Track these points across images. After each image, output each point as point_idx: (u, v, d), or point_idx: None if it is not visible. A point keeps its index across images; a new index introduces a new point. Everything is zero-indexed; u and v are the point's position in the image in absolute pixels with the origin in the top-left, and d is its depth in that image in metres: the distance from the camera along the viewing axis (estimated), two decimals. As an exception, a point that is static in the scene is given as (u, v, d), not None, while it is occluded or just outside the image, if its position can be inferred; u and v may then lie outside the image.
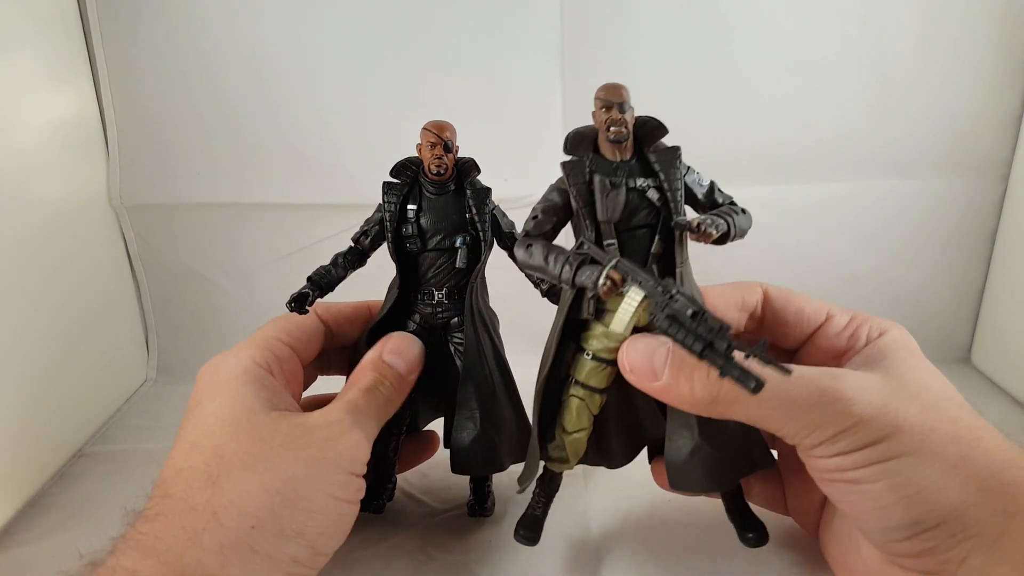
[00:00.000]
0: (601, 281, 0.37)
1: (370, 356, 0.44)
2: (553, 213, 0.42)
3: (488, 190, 0.47)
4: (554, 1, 0.65)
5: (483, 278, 0.48)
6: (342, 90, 0.68)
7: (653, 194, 0.40)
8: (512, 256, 0.44)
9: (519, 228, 0.44)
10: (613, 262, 0.38)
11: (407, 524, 0.50)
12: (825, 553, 0.43)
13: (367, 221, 0.48)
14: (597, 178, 0.40)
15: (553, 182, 0.42)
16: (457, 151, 0.46)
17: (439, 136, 0.45)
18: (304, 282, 0.46)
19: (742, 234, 0.40)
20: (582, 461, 0.44)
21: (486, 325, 0.47)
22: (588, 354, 0.41)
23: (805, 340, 0.43)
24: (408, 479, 0.54)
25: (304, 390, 0.49)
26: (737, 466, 0.41)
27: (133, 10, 0.65)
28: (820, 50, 0.66)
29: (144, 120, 0.68)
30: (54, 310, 0.59)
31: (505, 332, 0.49)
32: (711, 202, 0.42)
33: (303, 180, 0.70)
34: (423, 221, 0.46)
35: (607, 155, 0.41)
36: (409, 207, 0.46)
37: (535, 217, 0.42)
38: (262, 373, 0.40)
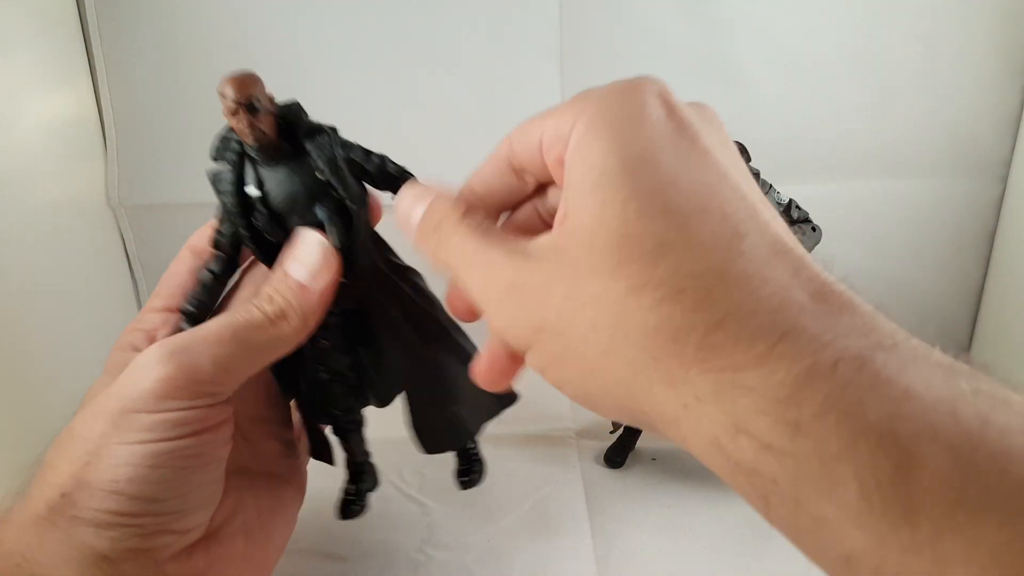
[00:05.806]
0: None
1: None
2: None
3: (327, 134, 0.34)
4: (554, 1, 0.65)
5: (377, 237, 0.38)
6: (340, 90, 0.68)
7: None
8: None
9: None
10: None
11: (406, 524, 0.50)
12: None
13: (215, 217, 0.37)
14: None
15: None
16: (272, 101, 0.34)
17: (237, 100, 0.32)
18: None
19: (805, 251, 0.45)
20: None
21: (396, 283, 0.38)
22: None
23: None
24: (406, 479, 0.54)
25: None
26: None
27: (133, 10, 0.65)
28: (819, 50, 0.66)
29: (143, 120, 0.68)
30: (52, 310, 0.59)
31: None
32: (787, 219, 0.47)
33: (302, 180, 0.70)
34: (271, 203, 0.35)
35: None
36: (248, 191, 0.35)
37: None
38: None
